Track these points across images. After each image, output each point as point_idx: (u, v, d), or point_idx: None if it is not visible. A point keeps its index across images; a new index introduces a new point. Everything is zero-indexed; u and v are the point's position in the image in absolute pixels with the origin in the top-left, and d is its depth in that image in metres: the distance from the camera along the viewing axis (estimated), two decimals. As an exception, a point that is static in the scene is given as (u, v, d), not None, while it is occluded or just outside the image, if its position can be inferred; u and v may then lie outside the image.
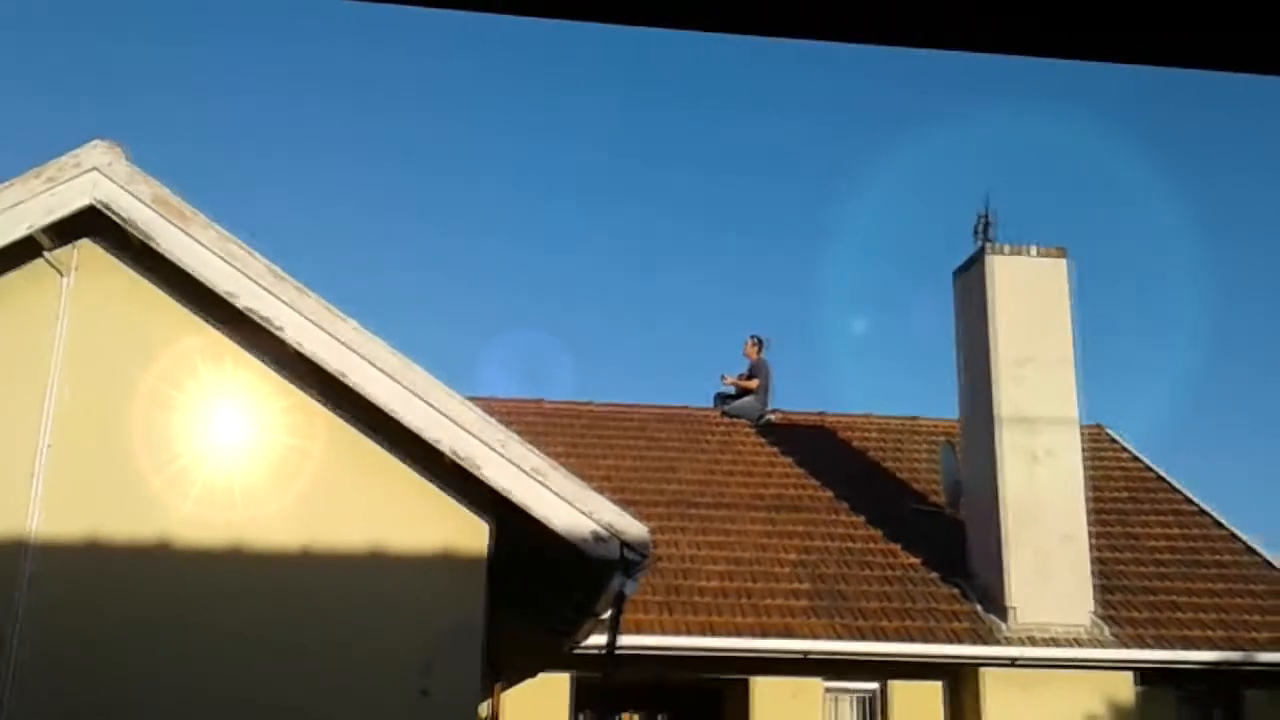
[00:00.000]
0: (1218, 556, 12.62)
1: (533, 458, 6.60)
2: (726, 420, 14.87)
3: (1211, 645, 11.01)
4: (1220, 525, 13.26)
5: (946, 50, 1.63)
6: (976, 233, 12.35)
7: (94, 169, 6.57)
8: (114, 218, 6.57)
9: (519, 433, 6.81)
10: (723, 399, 15.29)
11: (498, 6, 1.58)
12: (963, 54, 1.65)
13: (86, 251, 6.77)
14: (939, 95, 32.90)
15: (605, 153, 34.91)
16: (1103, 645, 10.88)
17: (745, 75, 35.71)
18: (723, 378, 15.44)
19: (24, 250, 6.62)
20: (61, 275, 6.72)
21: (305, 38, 35.66)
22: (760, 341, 15.34)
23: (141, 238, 6.57)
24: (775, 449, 14.14)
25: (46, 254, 6.69)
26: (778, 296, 33.92)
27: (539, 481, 6.55)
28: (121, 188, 6.58)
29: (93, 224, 6.69)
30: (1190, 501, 13.75)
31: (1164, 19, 1.58)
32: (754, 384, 15.09)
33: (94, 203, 6.56)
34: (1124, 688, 10.84)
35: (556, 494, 6.55)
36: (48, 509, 6.40)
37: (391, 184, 34.27)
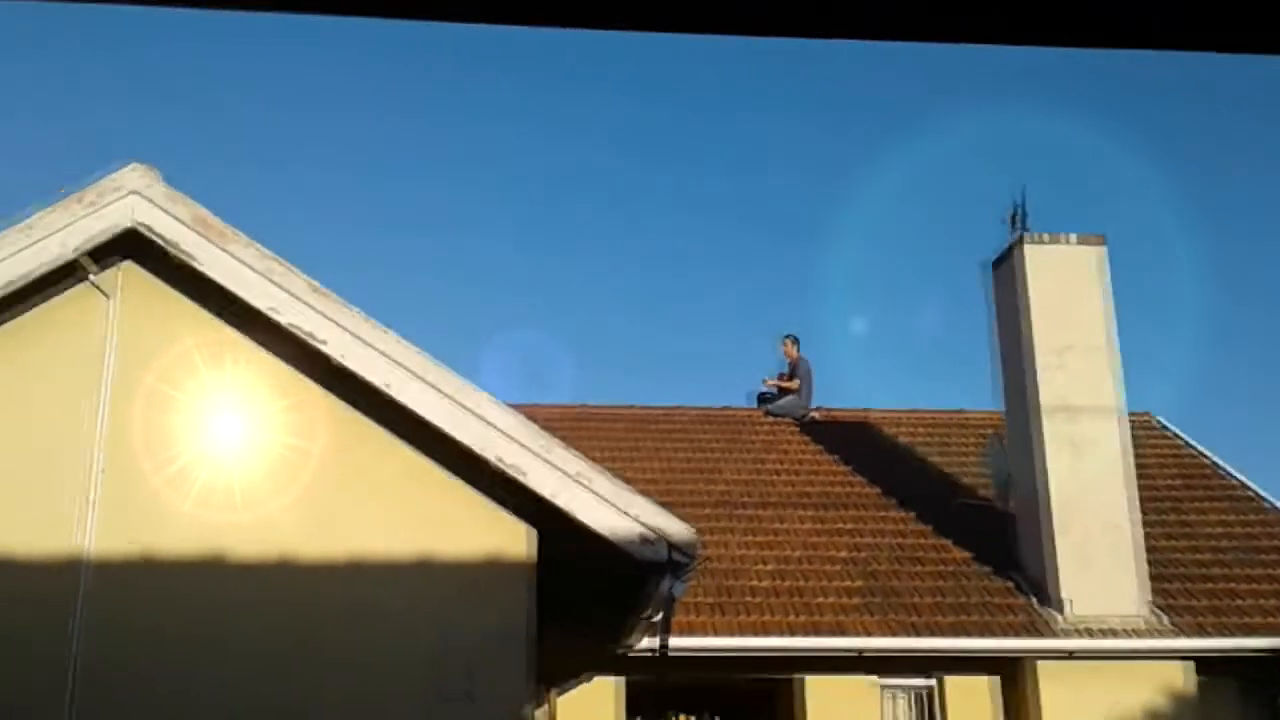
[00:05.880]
0: (1276, 541, 12.40)
1: (576, 462, 6.61)
2: (769, 420, 14.82)
3: (1273, 632, 10.81)
4: (1277, 509, 13.03)
5: (950, 44, 1.63)
6: (1011, 224, 12.26)
7: (133, 192, 6.67)
8: (155, 239, 6.66)
9: (560, 438, 6.82)
10: (764, 400, 15.25)
11: (501, 18, 1.59)
12: (967, 49, 1.64)
13: (130, 273, 6.87)
14: (946, 89, 32.62)
15: (609, 153, 34.95)
16: (1161, 635, 10.72)
17: (749, 72, 35.63)
18: (764, 380, 15.41)
19: (69, 274, 6.73)
20: (107, 297, 6.82)
21: (301, 44, 35.99)
22: (796, 340, 15.30)
23: (183, 258, 6.65)
24: (820, 447, 14.08)
25: (91, 277, 6.80)
26: (790, 297, 33.73)
27: (583, 486, 6.56)
28: (161, 209, 6.67)
29: (134, 246, 6.79)
30: (1245, 487, 13.52)
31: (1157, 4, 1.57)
32: (795, 384, 15.04)
33: (135, 225, 6.65)
34: (1183, 678, 10.67)
35: (601, 498, 6.55)
36: (102, 529, 6.49)
37: (393, 188, 34.52)
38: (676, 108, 34.30)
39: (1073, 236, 11.98)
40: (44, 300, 6.76)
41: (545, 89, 33.58)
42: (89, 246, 6.62)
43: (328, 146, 34.99)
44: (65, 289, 6.79)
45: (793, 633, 10.46)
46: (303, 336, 6.62)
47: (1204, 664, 10.76)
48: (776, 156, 34.91)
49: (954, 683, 10.89)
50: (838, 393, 15.69)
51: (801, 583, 11.19)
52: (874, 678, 10.71)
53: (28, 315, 6.75)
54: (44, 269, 6.54)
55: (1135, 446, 11.66)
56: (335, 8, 1.58)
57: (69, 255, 6.57)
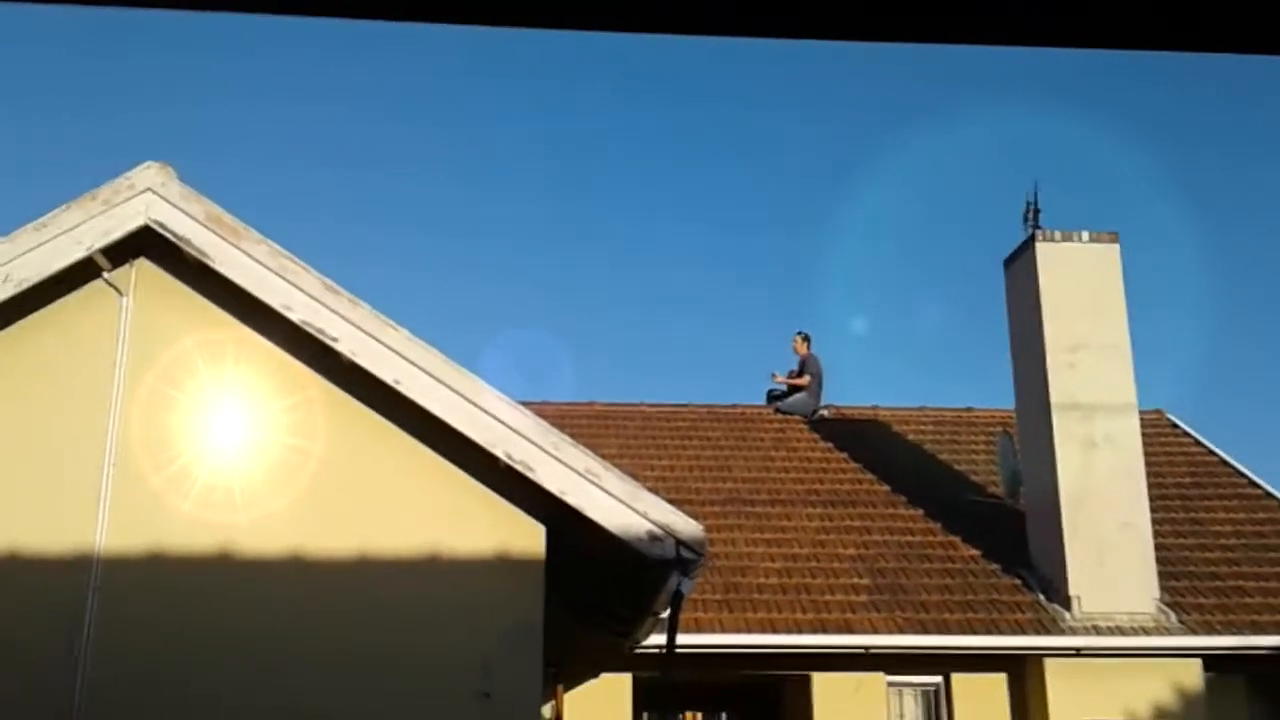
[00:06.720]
0: (1285, 540, 12.37)
1: (586, 459, 6.65)
2: (779, 417, 14.84)
3: (1281, 630, 10.80)
4: (1287, 508, 13.01)
5: (955, 45, 1.64)
6: (1025, 221, 12.27)
7: (148, 189, 6.71)
8: (169, 237, 6.70)
9: (571, 435, 6.85)
10: (774, 397, 15.25)
11: (504, 20, 1.61)
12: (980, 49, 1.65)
13: (144, 271, 6.92)
14: (947, 88, 32.61)
15: (610, 152, 35.01)
16: (1169, 633, 10.72)
17: (753, 72, 35.67)
18: (773, 376, 15.42)
19: (84, 272, 6.78)
20: (121, 295, 6.86)
21: (301, 46, 36.06)
22: (808, 338, 15.29)
23: (197, 256, 6.69)
24: (829, 444, 14.09)
25: (105, 275, 6.84)
26: (799, 295, 33.70)
27: (593, 483, 6.59)
28: (175, 207, 6.71)
29: (149, 244, 6.83)
30: (1255, 485, 13.50)
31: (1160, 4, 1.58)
32: (805, 380, 15.05)
33: (149, 223, 6.69)
34: (1192, 675, 10.67)
35: (610, 495, 6.58)
36: (113, 527, 6.53)
37: (396, 191, 34.58)
38: (683, 107, 34.33)
39: (1086, 234, 11.98)
40: (58, 298, 6.81)
41: (546, 89, 33.66)
42: (103, 244, 6.67)
43: (328, 146, 35.09)
44: (79, 286, 6.84)
45: (800, 630, 10.49)
46: (314, 334, 6.66)
47: (1212, 662, 10.77)
48: (783, 154, 34.94)
49: (962, 680, 10.90)
50: (843, 390, 15.72)
51: (809, 580, 11.22)
52: (881, 674, 10.73)
53: (42, 313, 6.80)
54: (59, 266, 6.59)
55: (1146, 444, 11.66)
56: (339, 11, 1.60)
57: (83, 253, 6.62)
